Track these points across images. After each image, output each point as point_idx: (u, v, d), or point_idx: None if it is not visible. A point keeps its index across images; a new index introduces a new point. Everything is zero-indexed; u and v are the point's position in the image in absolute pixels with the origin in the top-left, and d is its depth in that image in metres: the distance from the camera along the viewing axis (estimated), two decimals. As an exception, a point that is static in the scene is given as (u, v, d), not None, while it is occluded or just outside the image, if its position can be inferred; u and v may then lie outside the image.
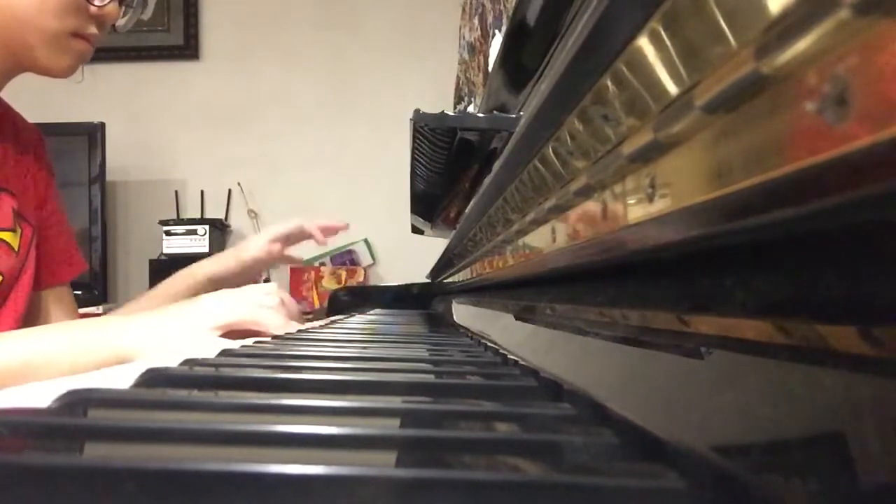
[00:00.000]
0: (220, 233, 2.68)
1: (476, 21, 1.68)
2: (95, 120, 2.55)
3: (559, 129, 0.33)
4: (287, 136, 2.78)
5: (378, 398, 0.32)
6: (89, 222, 2.53)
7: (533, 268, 0.47)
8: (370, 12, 2.78)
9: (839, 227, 0.16)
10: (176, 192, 2.79)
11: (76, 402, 0.27)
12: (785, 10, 0.14)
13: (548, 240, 0.39)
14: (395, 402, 0.31)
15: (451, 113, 0.84)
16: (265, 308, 0.74)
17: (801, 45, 0.13)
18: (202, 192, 2.80)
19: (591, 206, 0.30)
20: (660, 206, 0.22)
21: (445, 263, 1.22)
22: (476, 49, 1.67)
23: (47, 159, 0.99)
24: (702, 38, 0.18)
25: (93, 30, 0.81)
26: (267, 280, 2.66)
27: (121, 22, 0.85)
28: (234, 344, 0.59)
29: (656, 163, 0.22)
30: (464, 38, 1.92)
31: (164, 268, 2.54)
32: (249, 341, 0.61)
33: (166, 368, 0.36)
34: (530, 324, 0.51)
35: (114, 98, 2.78)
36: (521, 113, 0.74)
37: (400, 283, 1.90)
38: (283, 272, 2.73)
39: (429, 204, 1.32)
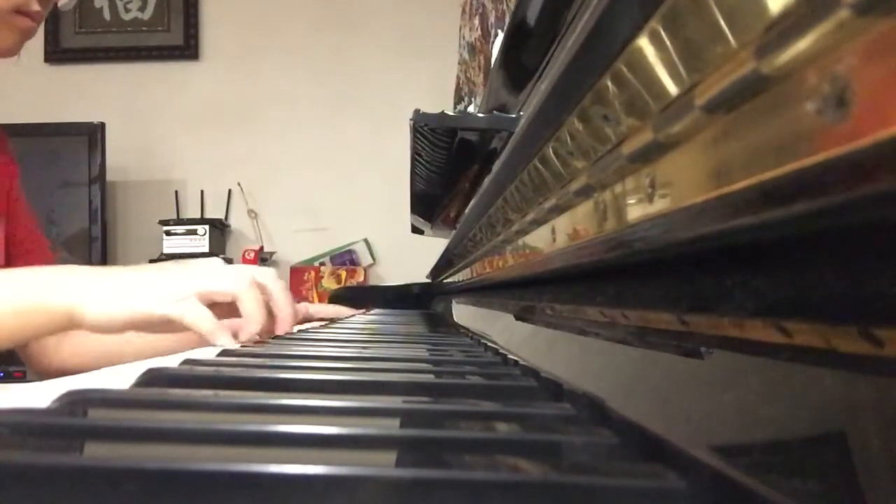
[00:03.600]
0: (220, 233, 2.68)
1: (476, 21, 1.68)
2: (95, 120, 2.55)
3: (559, 129, 0.33)
4: (287, 136, 2.78)
5: (378, 398, 0.32)
6: (89, 222, 2.53)
7: (533, 268, 0.47)
8: (370, 12, 2.78)
9: (839, 227, 0.16)
10: (176, 192, 2.79)
11: (76, 402, 0.27)
12: (785, 10, 0.14)
13: (548, 240, 0.39)
14: (395, 402, 0.31)
15: (451, 113, 0.84)
16: (253, 291, 0.64)
17: (801, 45, 0.13)
18: (202, 192, 2.80)
19: (591, 206, 0.30)
20: (660, 206, 0.22)
21: (445, 263, 1.22)
22: (476, 49, 1.67)
23: (10, 153, 1.00)
24: (702, 38, 0.18)
25: (36, 6, 0.81)
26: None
27: (63, 0, 0.87)
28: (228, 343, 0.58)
29: (656, 163, 0.22)
30: (464, 38, 1.92)
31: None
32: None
33: (166, 368, 0.36)
34: (530, 324, 0.51)
35: (114, 98, 2.78)
36: (521, 113, 0.74)
37: (400, 283, 1.90)
38: (284, 272, 2.73)
39: (429, 204, 1.32)
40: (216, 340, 0.59)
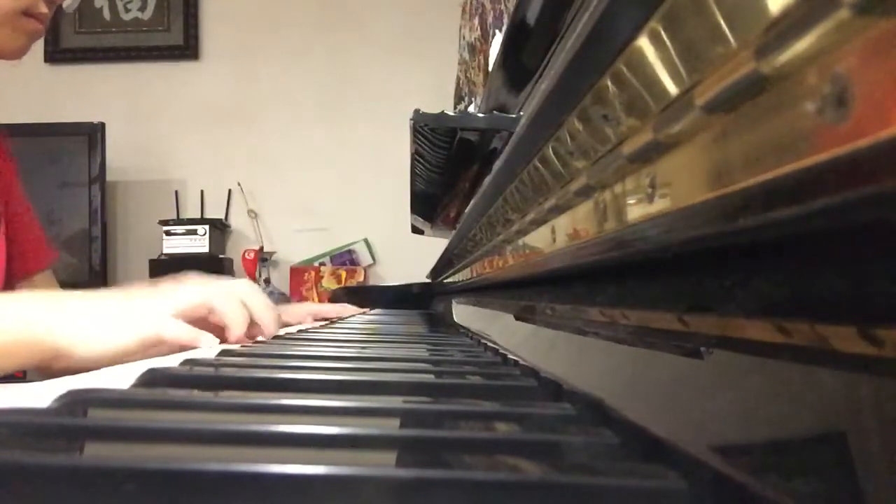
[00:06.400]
0: (220, 233, 2.68)
1: (476, 21, 1.68)
2: (95, 120, 2.55)
3: (559, 129, 0.33)
4: (287, 136, 2.78)
5: (378, 398, 0.32)
6: (89, 222, 2.52)
7: (533, 268, 0.47)
8: (370, 12, 2.78)
9: (839, 227, 0.16)
10: (176, 192, 2.79)
11: (76, 402, 0.27)
12: (785, 10, 0.14)
13: (548, 240, 0.39)
14: (395, 402, 0.31)
15: (451, 113, 0.84)
16: (233, 298, 0.63)
17: (801, 45, 0.13)
18: (202, 192, 2.80)
19: (591, 206, 0.30)
20: (660, 206, 0.22)
21: (445, 263, 1.22)
22: (476, 49, 1.67)
23: (9, 150, 0.99)
24: (702, 38, 0.18)
25: (43, 8, 0.81)
26: (267, 280, 2.65)
27: (67, 1, 0.87)
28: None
29: (656, 163, 0.22)
30: (464, 38, 1.92)
31: (164, 268, 2.54)
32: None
33: (166, 368, 0.36)
34: (530, 324, 0.51)
35: (114, 98, 2.78)
36: (521, 113, 0.74)
37: (400, 283, 1.90)
38: (284, 272, 2.73)
39: (429, 204, 1.32)
40: (200, 345, 0.59)
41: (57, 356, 0.60)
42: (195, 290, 0.64)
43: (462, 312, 1.05)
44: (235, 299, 0.64)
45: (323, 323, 1.07)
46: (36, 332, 0.60)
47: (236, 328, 0.62)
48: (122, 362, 0.60)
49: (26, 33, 0.82)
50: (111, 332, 0.60)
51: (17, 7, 0.79)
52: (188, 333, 0.59)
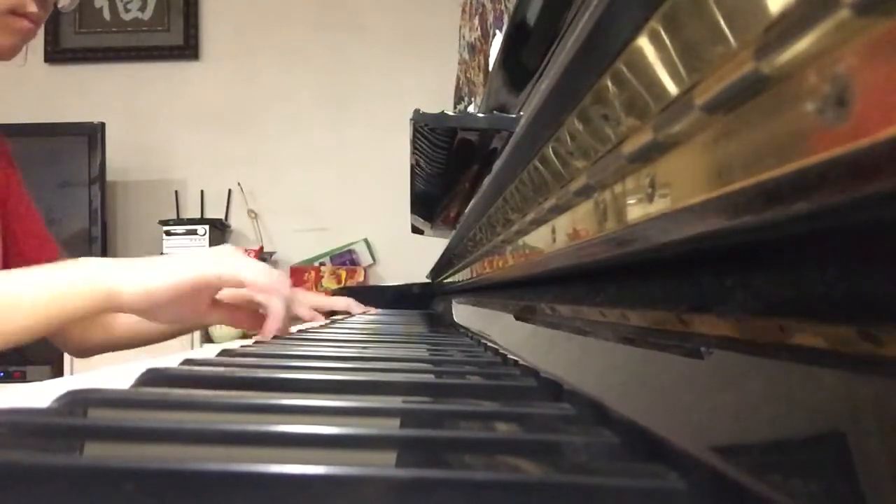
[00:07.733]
0: (220, 233, 2.68)
1: (476, 21, 1.68)
2: (95, 120, 2.55)
3: (559, 129, 0.33)
4: (287, 136, 2.78)
5: (378, 398, 0.32)
6: (89, 222, 2.52)
7: (533, 268, 0.47)
8: (370, 12, 2.78)
9: (839, 227, 0.16)
10: (176, 192, 2.79)
11: (76, 402, 0.27)
12: (785, 10, 0.14)
13: (548, 240, 0.39)
14: (395, 402, 0.31)
15: (451, 113, 0.84)
16: (263, 273, 0.68)
17: (801, 45, 0.13)
18: (202, 192, 2.80)
19: (591, 206, 0.30)
20: (659, 206, 0.22)
21: (445, 263, 1.22)
22: (476, 49, 1.67)
23: (6, 149, 0.99)
24: (702, 38, 0.18)
25: (33, 8, 0.80)
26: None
27: (64, 2, 0.86)
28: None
29: (656, 163, 0.22)
30: (464, 38, 1.92)
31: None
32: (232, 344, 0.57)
33: (166, 368, 0.36)
34: (530, 324, 0.51)
35: (114, 98, 2.78)
36: (521, 113, 0.74)
37: (400, 283, 1.90)
38: (284, 272, 2.72)
39: (429, 204, 1.32)
40: (272, 303, 0.64)
41: (109, 295, 0.63)
42: (268, 270, 0.68)
43: (462, 312, 1.05)
44: (288, 304, 0.68)
45: (323, 323, 1.07)
46: (88, 274, 0.64)
47: (272, 327, 0.67)
48: (175, 307, 0.65)
49: (16, 33, 0.81)
50: (162, 269, 0.64)
51: (2, 6, 0.79)
52: (268, 282, 0.64)
